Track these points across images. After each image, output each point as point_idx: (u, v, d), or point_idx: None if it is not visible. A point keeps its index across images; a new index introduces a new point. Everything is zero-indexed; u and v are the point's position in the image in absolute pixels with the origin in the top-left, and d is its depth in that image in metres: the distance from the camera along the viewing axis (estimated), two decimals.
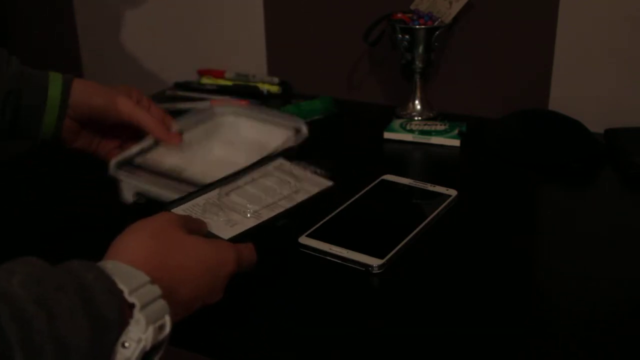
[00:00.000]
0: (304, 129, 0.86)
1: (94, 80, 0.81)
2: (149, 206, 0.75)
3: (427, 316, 0.62)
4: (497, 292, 0.65)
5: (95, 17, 1.44)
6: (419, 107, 1.10)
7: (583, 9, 1.01)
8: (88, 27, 1.46)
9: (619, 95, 1.03)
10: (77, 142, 0.81)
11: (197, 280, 0.53)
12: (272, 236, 0.72)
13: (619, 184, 0.89)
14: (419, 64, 1.07)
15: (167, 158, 0.82)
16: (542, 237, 0.77)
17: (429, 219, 0.76)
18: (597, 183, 0.91)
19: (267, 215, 0.72)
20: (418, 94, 1.10)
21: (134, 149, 0.82)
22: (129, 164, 0.80)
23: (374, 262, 0.68)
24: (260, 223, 0.71)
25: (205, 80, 1.28)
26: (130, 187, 0.78)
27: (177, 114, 0.88)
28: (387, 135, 1.03)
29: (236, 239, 0.66)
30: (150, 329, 0.44)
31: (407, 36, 1.05)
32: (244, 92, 1.22)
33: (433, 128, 1.02)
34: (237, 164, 0.78)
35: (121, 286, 0.44)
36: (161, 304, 0.46)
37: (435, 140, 1.00)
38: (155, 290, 0.46)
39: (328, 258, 0.70)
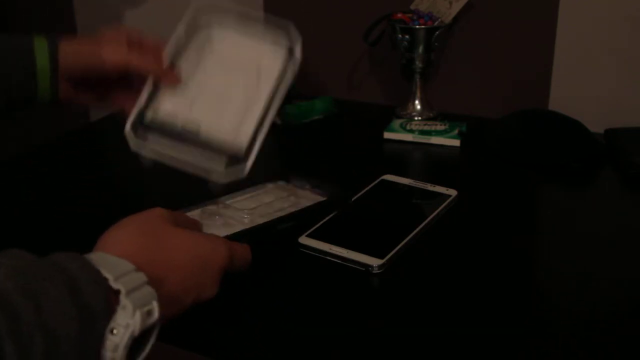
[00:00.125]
0: (298, 52, 0.81)
1: None
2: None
3: (427, 316, 0.62)
4: (497, 292, 0.65)
5: (95, 17, 1.44)
6: (419, 107, 1.10)
7: (583, 9, 1.01)
8: (88, 27, 1.46)
9: (619, 95, 1.03)
10: (80, 99, 0.78)
11: (185, 269, 0.52)
12: (272, 236, 0.72)
13: (619, 184, 0.89)
14: (419, 64, 1.07)
15: (170, 104, 0.77)
16: (542, 237, 0.77)
17: (429, 219, 0.76)
18: (597, 183, 0.91)
19: (265, 220, 0.72)
20: (418, 94, 1.11)
21: (141, 98, 0.76)
22: (141, 125, 0.75)
23: (374, 262, 0.68)
24: (259, 225, 0.71)
25: None
26: (150, 154, 0.74)
27: None
28: (387, 135, 1.03)
29: (232, 239, 0.66)
30: (138, 314, 0.44)
31: (407, 36, 1.05)
32: None
33: (433, 128, 1.02)
34: (238, 98, 0.76)
35: (106, 274, 0.44)
36: (148, 290, 0.46)
37: (435, 140, 1.00)
38: (141, 276, 0.46)
39: (328, 258, 0.70)
